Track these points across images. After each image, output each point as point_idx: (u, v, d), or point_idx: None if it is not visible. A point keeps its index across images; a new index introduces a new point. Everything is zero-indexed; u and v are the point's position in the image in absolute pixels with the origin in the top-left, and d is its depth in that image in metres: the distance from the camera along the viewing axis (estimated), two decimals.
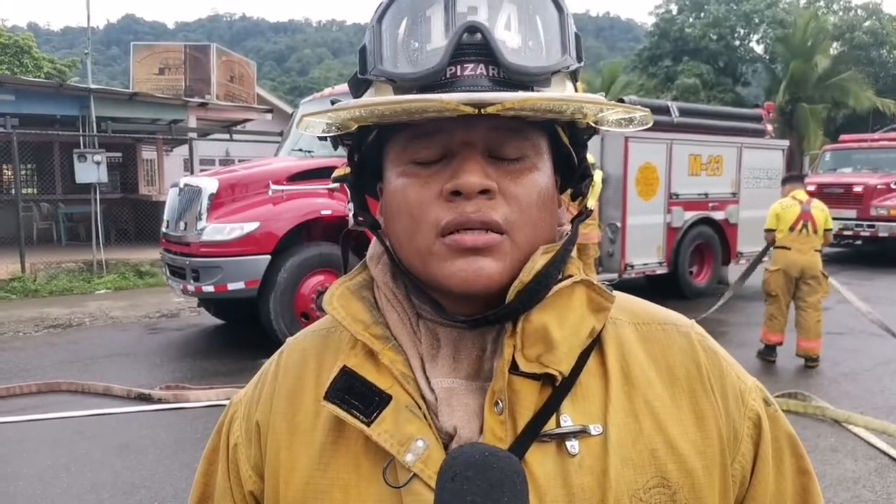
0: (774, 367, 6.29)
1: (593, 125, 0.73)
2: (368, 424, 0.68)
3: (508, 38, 0.66)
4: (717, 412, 0.73)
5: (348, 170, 0.80)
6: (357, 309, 0.75)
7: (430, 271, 0.70)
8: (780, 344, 6.44)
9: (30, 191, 17.25)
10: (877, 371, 6.15)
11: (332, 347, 0.78)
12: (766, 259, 7.31)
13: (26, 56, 23.42)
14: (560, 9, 0.70)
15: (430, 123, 0.67)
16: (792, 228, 6.24)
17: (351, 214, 0.81)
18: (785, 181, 6.96)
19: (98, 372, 6.20)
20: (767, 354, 6.43)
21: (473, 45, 0.65)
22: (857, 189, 13.52)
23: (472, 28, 0.65)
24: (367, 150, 0.77)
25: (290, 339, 0.85)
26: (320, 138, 0.76)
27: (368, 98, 0.70)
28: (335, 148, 0.79)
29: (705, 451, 0.71)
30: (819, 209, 6.35)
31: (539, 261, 0.70)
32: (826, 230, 6.35)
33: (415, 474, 0.66)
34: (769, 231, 6.53)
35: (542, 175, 0.72)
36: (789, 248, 6.26)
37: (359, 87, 0.73)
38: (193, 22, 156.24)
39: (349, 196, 0.81)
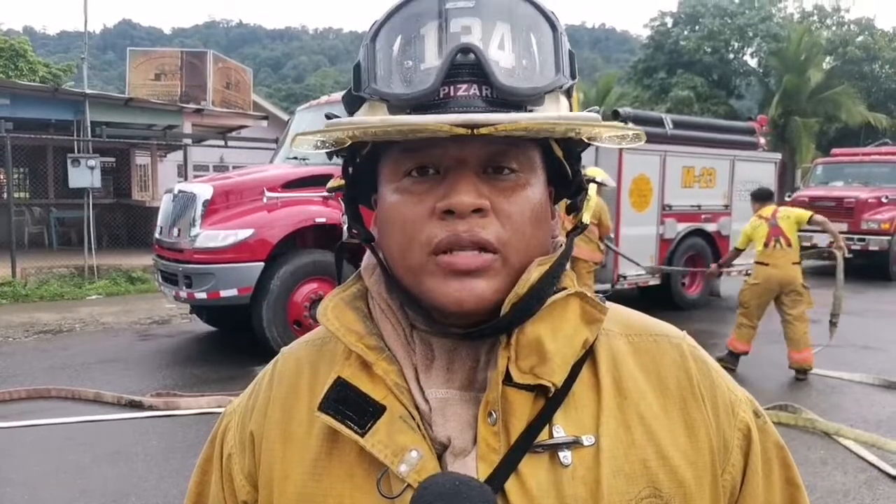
0: (764, 379, 6.30)
1: (586, 140, 0.74)
2: (362, 435, 0.69)
3: (502, 58, 0.67)
4: (707, 423, 0.74)
5: (343, 182, 0.80)
6: (351, 320, 0.75)
7: (423, 289, 0.70)
8: (746, 353, 6.56)
9: (22, 195, 17.17)
10: (866, 383, 6.16)
11: (327, 358, 0.79)
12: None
13: (21, 60, 23.29)
14: (554, 27, 0.70)
15: (423, 140, 0.67)
16: (766, 245, 6.38)
17: (345, 227, 0.82)
18: (754, 198, 6.98)
19: (88, 378, 6.17)
20: (730, 362, 6.47)
21: (467, 66, 0.66)
22: (849, 203, 13.59)
23: (466, 49, 0.65)
24: (362, 162, 0.78)
25: (284, 350, 0.86)
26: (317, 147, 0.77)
27: (362, 118, 0.70)
28: (329, 159, 0.80)
29: (696, 461, 0.72)
30: (785, 218, 6.46)
31: (534, 273, 0.70)
32: (801, 230, 6.51)
33: (408, 485, 0.67)
34: (737, 250, 6.85)
35: (535, 190, 0.72)
36: (767, 264, 6.40)
37: (353, 103, 0.74)
38: (190, 28, 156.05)
39: (343, 208, 0.82)
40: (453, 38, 0.66)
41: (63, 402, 5.53)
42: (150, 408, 5.34)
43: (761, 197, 6.84)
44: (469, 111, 0.65)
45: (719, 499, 0.73)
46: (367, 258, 0.81)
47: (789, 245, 6.34)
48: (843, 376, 6.30)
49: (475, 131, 0.62)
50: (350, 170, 0.79)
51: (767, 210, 6.59)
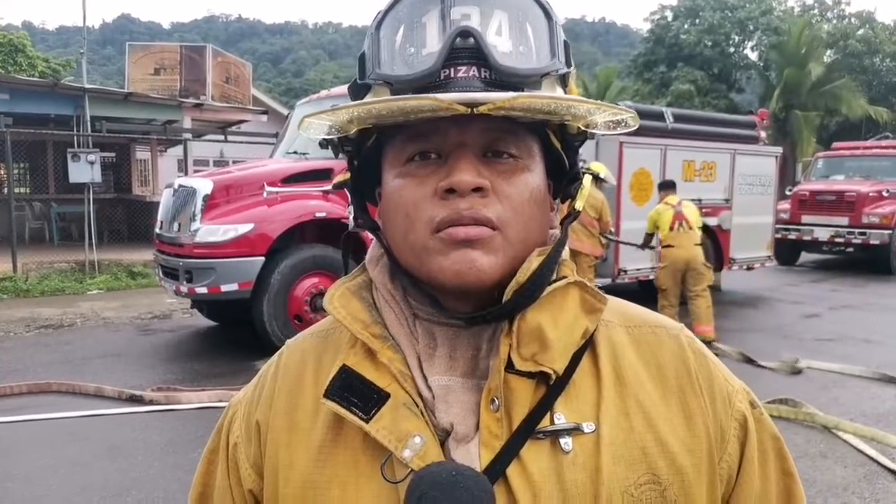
0: (765, 373, 6.31)
1: (583, 129, 0.75)
2: (367, 421, 0.70)
3: (499, 43, 0.69)
4: (705, 412, 0.75)
5: (348, 175, 0.82)
6: (357, 308, 0.77)
7: (425, 266, 0.72)
8: None
9: (23, 190, 17.17)
10: (866, 377, 6.17)
11: (331, 349, 0.80)
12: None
13: (20, 55, 23.29)
14: (549, 16, 0.72)
15: (425, 125, 0.69)
16: (671, 228, 7.10)
17: (351, 217, 0.84)
18: (660, 187, 7.66)
19: (89, 373, 6.18)
20: None
21: (466, 49, 0.68)
22: (850, 196, 13.58)
23: (465, 32, 0.68)
24: (366, 154, 0.79)
25: (289, 341, 0.87)
26: (321, 145, 0.78)
27: (367, 99, 0.72)
28: (335, 155, 0.82)
29: (694, 449, 0.73)
30: (689, 208, 7.28)
31: (535, 262, 0.72)
32: (699, 227, 7.26)
33: (412, 470, 0.68)
34: (648, 235, 7.44)
35: (534, 176, 0.74)
36: (673, 246, 7.07)
37: (358, 91, 0.76)
38: (189, 22, 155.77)
39: (349, 199, 0.84)
40: (453, 25, 0.68)
41: (64, 396, 5.54)
42: (151, 402, 5.35)
43: (667, 186, 7.58)
44: (469, 90, 0.67)
45: (716, 486, 0.74)
46: (372, 250, 0.82)
47: (691, 228, 7.10)
48: (843, 370, 6.31)
49: (475, 110, 0.63)
50: (355, 163, 0.81)
51: (673, 199, 7.29)
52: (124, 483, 4.00)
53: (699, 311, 7.00)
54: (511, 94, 0.64)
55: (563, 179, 0.81)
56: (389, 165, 0.75)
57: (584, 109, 0.70)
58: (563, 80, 0.74)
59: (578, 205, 0.80)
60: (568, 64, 0.74)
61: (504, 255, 0.71)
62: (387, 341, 0.75)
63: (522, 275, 0.71)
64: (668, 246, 7.14)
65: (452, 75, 0.68)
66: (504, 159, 0.72)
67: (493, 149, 0.72)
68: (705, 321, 6.96)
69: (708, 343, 6.51)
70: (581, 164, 0.82)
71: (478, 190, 0.69)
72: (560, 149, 0.78)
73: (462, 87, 0.67)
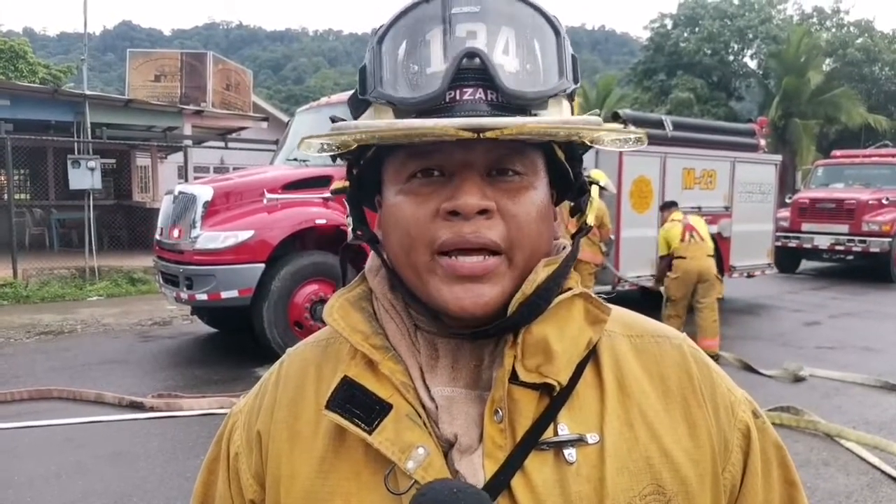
0: (767, 381, 6.31)
1: (589, 143, 0.74)
2: (370, 432, 0.69)
3: (507, 63, 0.67)
4: (708, 422, 0.75)
5: (347, 183, 0.81)
6: (356, 320, 0.76)
7: (427, 289, 0.71)
8: None
9: (23, 196, 17.18)
10: (868, 385, 6.16)
11: (332, 358, 0.79)
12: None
13: (21, 61, 23.33)
14: (557, 32, 0.71)
15: (429, 143, 0.68)
16: (682, 240, 7.03)
17: (350, 228, 0.82)
18: (662, 208, 7.74)
19: (90, 379, 6.16)
20: None
21: (472, 70, 0.66)
22: (849, 204, 13.60)
23: (471, 54, 0.66)
24: (366, 164, 0.78)
25: (289, 350, 0.87)
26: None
27: (370, 121, 0.71)
28: (333, 161, 0.80)
29: (698, 459, 0.73)
30: (696, 220, 7.27)
31: (541, 273, 0.71)
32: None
33: (415, 481, 0.67)
34: (663, 257, 7.26)
35: (539, 192, 0.73)
36: (685, 257, 6.98)
37: (358, 106, 0.74)
38: (190, 29, 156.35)
39: (348, 209, 0.82)
40: (458, 43, 0.67)
41: (64, 403, 5.53)
42: (152, 409, 5.33)
43: (668, 206, 7.62)
44: (475, 115, 0.66)
45: (720, 497, 0.74)
46: (371, 260, 0.81)
47: (702, 239, 7.03)
48: (846, 378, 6.30)
49: (481, 135, 0.62)
50: (354, 172, 0.80)
51: (678, 214, 7.28)
52: (125, 489, 3.99)
53: (705, 324, 6.86)
54: (519, 119, 0.63)
55: (567, 188, 0.80)
56: (390, 181, 0.74)
57: (590, 132, 0.69)
58: (570, 95, 0.73)
59: (590, 219, 0.79)
60: (576, 80, 0.72)
61: (510, 279, 0.70)
62: (388, 352, 0.74)
63: (529, 286, 0.70)
64: (681, 257, 6.98)
65: (458, 98, 0.66)
66: (509, 177, 0.71)
67: (499, 167, 0.70)
68: (710, 335, 6.81)
69: (714, 357, 6.44)
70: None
71: (483, 212, 0.68)
72: (564, 159, 0.78)
73: (468, 110, 0.66)
